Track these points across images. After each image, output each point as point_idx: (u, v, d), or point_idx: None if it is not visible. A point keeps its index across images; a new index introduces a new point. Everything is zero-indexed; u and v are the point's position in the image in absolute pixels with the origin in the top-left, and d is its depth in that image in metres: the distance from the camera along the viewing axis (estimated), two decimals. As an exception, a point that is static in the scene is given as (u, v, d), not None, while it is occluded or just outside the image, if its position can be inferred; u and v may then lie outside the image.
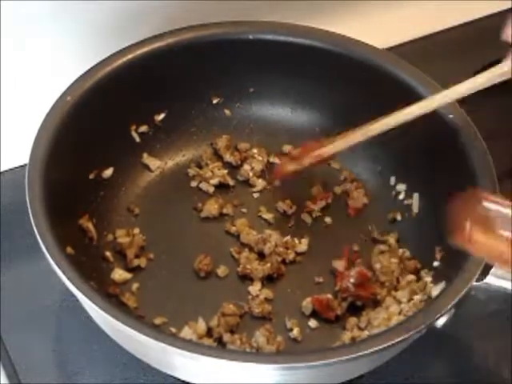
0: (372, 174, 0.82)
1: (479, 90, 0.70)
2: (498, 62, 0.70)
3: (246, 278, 0.75)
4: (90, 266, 0.71)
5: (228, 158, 0.83)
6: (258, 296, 0.74)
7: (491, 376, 0.72)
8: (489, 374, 0.72)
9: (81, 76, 0.75)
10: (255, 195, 0.82)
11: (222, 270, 0.76)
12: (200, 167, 0.83)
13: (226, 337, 0.71)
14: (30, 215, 0.66)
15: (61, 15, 0.80)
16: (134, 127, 0.81)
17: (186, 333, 0.70)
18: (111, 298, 0.72)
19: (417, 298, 0.72)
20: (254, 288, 0.74)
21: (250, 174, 0.82)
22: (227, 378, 0.64)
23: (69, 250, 0.68)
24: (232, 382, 0.64)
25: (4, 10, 0.77)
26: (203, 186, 0.81)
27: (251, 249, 0.77)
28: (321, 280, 0.76)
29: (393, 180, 0.81)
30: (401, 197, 0.80)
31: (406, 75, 0.78)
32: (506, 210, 0.60)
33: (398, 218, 0.79)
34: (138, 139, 0.81)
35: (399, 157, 0.80)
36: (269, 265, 0.75)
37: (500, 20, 0.71)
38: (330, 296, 0.73)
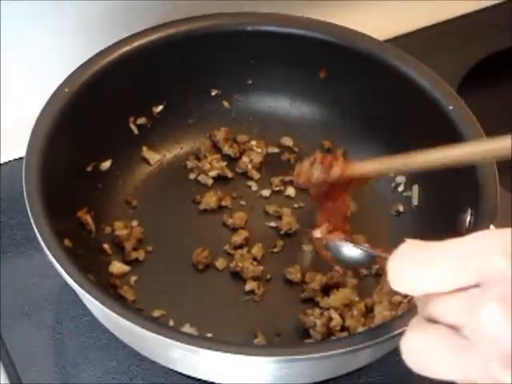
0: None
1: (478, 85, 0.69)
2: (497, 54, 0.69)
3: (237, 276, 0.75)
4: (88, 259, 0.71)
5: (226, 150, 0.83)
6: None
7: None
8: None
9: (78, 67, 0.75)
10: (254, 188, 0.81)
11: (220, 263, 0.75)
12: (198, 159, 0.82)
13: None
14: (28, 208, 0.66)
15: (59, 7, 0.80)
16: (132, 119, 0.80)
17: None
18: (110, 290, 0.72)
19: None
20: (248, 286, 0.74)
21: (249, 166, 0.82)
22: (226, 371, 0.64)
23: (67, 242, 0.67)
24: (232, 374, 0.64)
25: (4, 9, 0.76)
26: (202, 178, 0.81)
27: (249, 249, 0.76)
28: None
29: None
30: (400, 189, 0.80)
31: (407, 67, 0.77)
32: None
33: (400, 209, 0.79)
34: (136, 131, 0.81)
35: (398, 149, 0.80)
36: (261, 267, 0.75)
37: (501, 11, 0.70)
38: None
